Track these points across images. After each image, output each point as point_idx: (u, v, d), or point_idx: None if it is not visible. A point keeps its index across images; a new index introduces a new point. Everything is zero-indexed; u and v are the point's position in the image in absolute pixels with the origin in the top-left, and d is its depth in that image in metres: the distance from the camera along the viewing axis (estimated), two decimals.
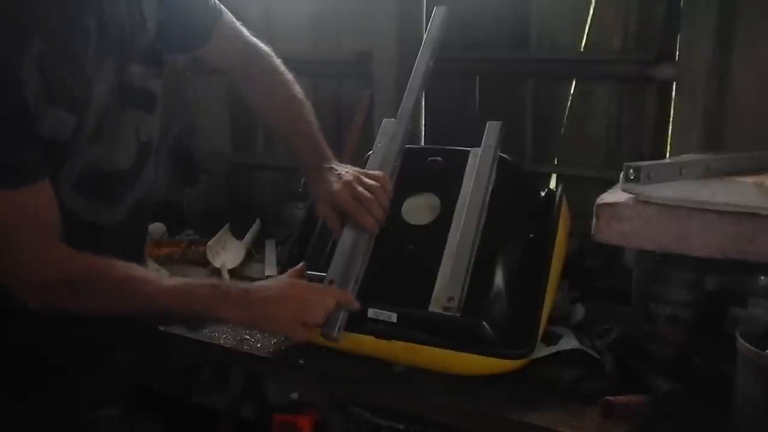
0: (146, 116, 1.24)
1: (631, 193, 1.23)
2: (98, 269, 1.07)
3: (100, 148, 1.13)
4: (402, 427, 1.32)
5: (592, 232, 1.27)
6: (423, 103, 2.03)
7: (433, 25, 1.56)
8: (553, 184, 1.97)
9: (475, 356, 1.24)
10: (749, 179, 1.17)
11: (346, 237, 1.35)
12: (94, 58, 1.08)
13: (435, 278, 1.30)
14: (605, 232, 1.26)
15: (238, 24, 1.49)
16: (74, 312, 1.06)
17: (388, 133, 1.49)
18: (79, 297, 1.06)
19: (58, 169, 1.08)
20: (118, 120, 1.16)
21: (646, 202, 1.21)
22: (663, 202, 1.20)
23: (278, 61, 1.52)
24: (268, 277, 1.74)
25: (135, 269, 1.11)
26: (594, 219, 1.27)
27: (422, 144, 2.04)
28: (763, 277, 1.31)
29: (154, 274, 1.16)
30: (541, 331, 1.29)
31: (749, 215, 1.14)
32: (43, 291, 1.04)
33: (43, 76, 0.99)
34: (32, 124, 1.00)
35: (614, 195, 1.29)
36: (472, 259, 1.30)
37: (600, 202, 1.27)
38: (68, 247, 1.05)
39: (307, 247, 1.50)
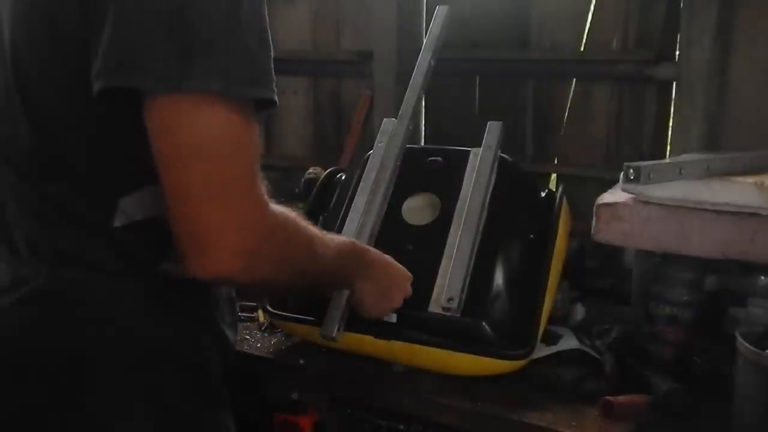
0: None
1: (631, 193, 1.23)
2: (293, 223, 0.91)
3: None
4: (402, 427, 1.31)
5: (592, 232, 1.27)
6: (423, 103, 2.03)
7: (434, 25, 1.56)
8: (553, 184, 1.97)
9: (475, 356, 1.24)
10: (749, 179, 1.17)
11: (346, 236, 1.35)
12: None
13: (435, 278, 1.30)
14: (605, 232, 1.26)
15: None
16: (261, 282, 0.90)
17: (388, 132, 1.49)
18: (280, 256, 0.88)
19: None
20: None
21: (646, 202, 1.21)
22: (663, 202, 1.20)
23: None
24: None
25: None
26: (594, 219, 1.27)
27: (422, 144, 2.04)
28: (763, 277, 1.31)
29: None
30: (541, 332, 1.29)
31: (749, 215, 1.14)
32: (251, 249, 0.82)
33: None
34: None
35: (614, 195, 1.29)
36: (472, 259, 1.30)
37: (600, 202, 1.27)
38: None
39: None
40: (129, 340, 0.92)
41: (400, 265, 1.23)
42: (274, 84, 0.86)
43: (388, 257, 1.22)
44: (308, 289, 1.13)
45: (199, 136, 0.78)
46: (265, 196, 0.85)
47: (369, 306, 1.20)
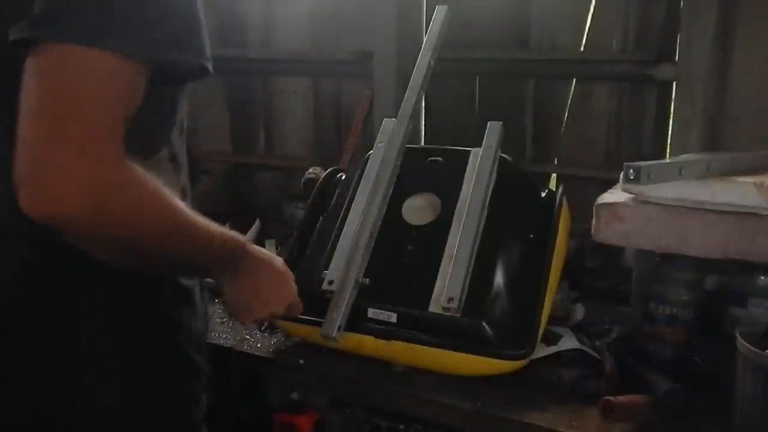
0: None
1: (631, 193, 1.23)
2: (155, 186, 0.88)
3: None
4: (402, 427, 1.31)
5: (592, 232, 1.27)
6: (423, 103, 2.03)
7: (434, 25, 1.56)
8: (553, 184, 1.97)
9: (475, 356, 1.24)
10: (749, 179, 1.17)
11: (346, 237, 1.35)
12: None
13: (435, 278, 1.30)
14: (605, 232, 1.26)
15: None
16: (106, 237, 0.87)
17: (388, 132, 1.49)
18: (127, 214, 0.85)
19: (179, 106, 1.00)
20: None
21: (646, 202, 1.21)
22: (663, 202, 1.20)
23: None
24: None
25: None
26: (594, 219, 1.27)
27: (422, 144, 2.04)
28: (763, 277, 1.31)
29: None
30: (541, 331, 1.29)
31: (749, 215, 1.14)
32: (89, 195, 0.80)
33: None
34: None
35: (614, 195, 1.29)
36: (472, 259, 1.30)
37: (600, 202, 1.27)
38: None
39: (307, 247, 1.50)
40: (104, 307, 0.96)
41: (285, 270, 1.16)
42: (199, 47, 0.89)
43: (277, 267, 1.14)
44: (171, 268, 1.04)
45: (65, 84, 0.81)
46: (120, 154, 0.83)
47: (237, 306, 1.13)
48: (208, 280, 1.15)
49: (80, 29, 0.80)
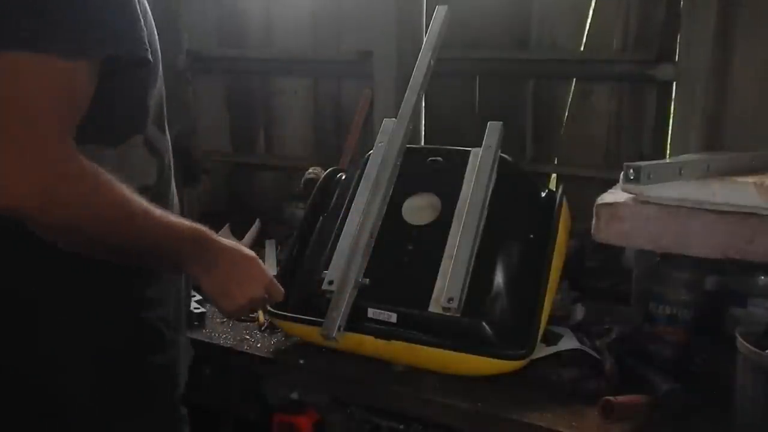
0: None
1: (631, 193, 1.23)
2: (100, 174, 0.92)
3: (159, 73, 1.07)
4: (402, 427, 1.31)
5: (592, 232, 1.27)
6: (423, 103, 2.03)
7: (433, 25, 1.56)
8: (553, 184, 1.97)
9: (475, 356, 1.24)
10: (749, 179, 1.16)
11: (346, 237, 1.35)
12: None
13: (435, 278, 1.30)
14: (605, 232, 1.26)
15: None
16: (62, 229, 0.92)
17: (388, 132, 1.49)
18: (78, 203, 0.90)
19: (147, 95, 1.03)
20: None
21: (646, 202, 1.21)
22: (663, 202, 1.20)
23: None
24: None
25: (135, 195, 0.97)
26: (594, 219, 1.27)
27: (422, 144, 2.04)
28: (763, 277, 1.32)
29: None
30: (541, 331, 1.29)
31: (749, 215, 1.14)
32: (47, 188, 0.87)
33: None
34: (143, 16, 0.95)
35: (614, 195, 1.29)
36: (472, 259, 1.30)
37: (600, 202, 1.27)
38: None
39: (307, 247, 1.50)
40: (72, 286, 1.00)
41: (252, 254, 1.16)
42: (129, 41, 0.93)
43: (245, 252, 1.15)
44: (135, 258, 1.05)
45: (13, 89, 0.86)
46: (67, 150, 0.89)
47: (215, 295, 1.13)
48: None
49: (16, 35, 0.85)
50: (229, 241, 1.14)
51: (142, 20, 0.95)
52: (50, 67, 0.86)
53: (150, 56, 0.97)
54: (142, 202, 0.96)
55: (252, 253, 1.16)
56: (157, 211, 0.99)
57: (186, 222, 1.05)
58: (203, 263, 1.08)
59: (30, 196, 0.86)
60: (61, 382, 1.01)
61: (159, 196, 1.05)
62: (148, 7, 0.98)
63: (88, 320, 1.01)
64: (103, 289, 1.02)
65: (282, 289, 1.22)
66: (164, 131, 1.12)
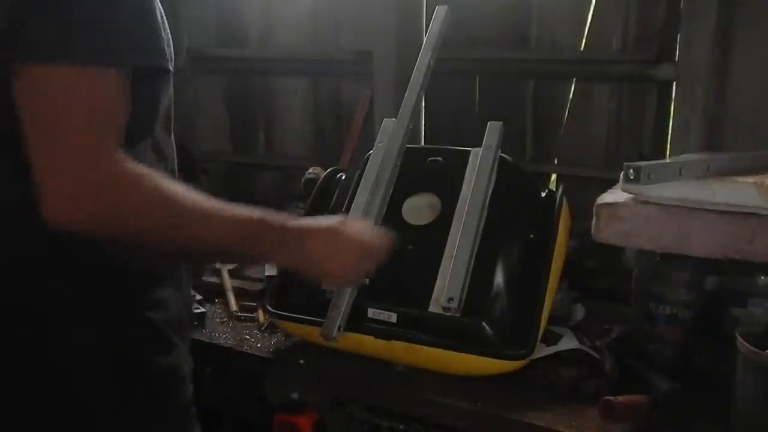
0: None
1: (630, 193, 1.23)
2: (154, 179, 0.91)
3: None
4: (402, 427, 1.32)
5: (592, 232, 1.27)
6: (423, 103, 2.03)
7: (433, 25, 1.56)
8: (553, 184, 1.97)
9: (475, 356, 1.24)
10: (749, 179, 1.16)
11: None
12: None
13: (435, 278, 1.30)
14: (605, 232, 1.26)
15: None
16: (112, 234, 0.91)
17: (388, 132, 1.49)
18: (127, 210, 0.89)
19: (160, 100, 1.03)
20: None
21: (646, 202, 1.21)
22: (662, 202, 1.20)
23: None
24: (269, 276, 1.74)
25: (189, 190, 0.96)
26: (594, 219, 1.27)
27: (422, 144, 2.04)
28: (763, 277, 1.31)
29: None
30: (541, 331, 1.29)
31: (748, 215, 1.14)
32: (88, 196, 0.86)
33: None
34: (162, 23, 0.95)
35: (614, 195, 1.29)
36: (472, 259, 1.30)
37: (600, 202, 1.27)
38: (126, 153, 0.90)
39: None
40: (86, 296, 0.99)
41: (341, 230, 1.09)
42: (154, 47, 0.93)
43: (324, 225, 1.09)
44: (199, 256, 1.09)
45: (52, 99, 0.86)
46: (114, 160, 0.88)
47: (319, 279, 1.11)
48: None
49: (49, 47, 0.85)
50: (312, 221, 1.11)
51: (161, 27, 0.95)
52: (88, 78, 0.86)
53: (170, 65, 0.98)
54: (194, 198, 0.95)
55: (331, 223, 1.10)
56: (214, 207, 0.98)
57: (250, 212, 1.02)
58: (285, 252, 1.04)
59: (84, 215, 0.86)
60: (77, 391, 0.99)
61: None
62: (163, 13, 0.98)
63: (97, 326, 1.00)
64: (109, 294, 1.01)
65: (384, 238, 1.15)
66: (170, 133, 1.12)
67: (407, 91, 1.51)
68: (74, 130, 0.86)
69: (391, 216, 1.41)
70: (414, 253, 1.36)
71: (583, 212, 1.41)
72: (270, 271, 1.83)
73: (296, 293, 1.40)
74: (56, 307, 0.98)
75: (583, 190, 1.71)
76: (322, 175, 1.66)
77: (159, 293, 1.07)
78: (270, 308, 1.41)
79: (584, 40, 1.88)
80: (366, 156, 1.51)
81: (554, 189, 1.53)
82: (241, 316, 1.58)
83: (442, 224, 1.37)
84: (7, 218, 0.96)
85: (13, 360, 0.98)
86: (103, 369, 1.00)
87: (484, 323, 1.25)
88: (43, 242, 0.92)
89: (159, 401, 1.08)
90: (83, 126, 0.86)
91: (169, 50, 0.98)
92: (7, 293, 0.97)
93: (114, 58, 0.88)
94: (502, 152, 1.45)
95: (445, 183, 1.43)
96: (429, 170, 1.47)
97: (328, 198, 1.56)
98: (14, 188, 0.93)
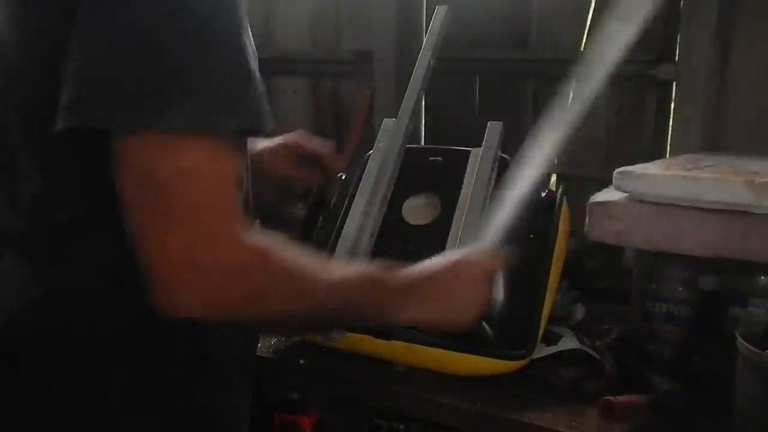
0: None
1: (623, 191, 1.23)
2: (277, 252, 0.82)
3: None
4: (402, 427, 1.32)
5: (585, 230, 1.27)
6: (423, 102, 2.03)
7: (433, 25, 1.56)
8: (553, 185, 1.97)
9: (475, 356, 1.24)
10: (741, 177, 1.16)
11: (346, 237, 1.35)
12: None
13: None
14: (598, 230, 1.25)
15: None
16: (236, 320, 0.85)
17: (388, 132, 1.49)
18: (252, 295, 0.80)
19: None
20: None
21: (639, 201, 1.21)
22: (655, 201, 1.19)
23: None
24: None
25: (301, 252, 0.86)
26: (587, 217, 1.27)
27: (422, 144, 2.04)
28: (762, 277, 1.31)
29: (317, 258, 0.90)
30: (541, 331, 1.29)
31: (739, 213, 1.13)
32: (212, 288, 0.76)
33: None
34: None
35: (607, 193, 1.29)
36: None
37: (593, 200, 1.27)
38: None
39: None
40: (137, 333, 0.89)
41: (462, 268, 1.03)
42: (255, 106, 0.80)
43: (442, 266, 1.02)
44: (316, 325, 1.01)
45: (163, 172, 0.74)
46: (238, 230, 0.78)
47: (447, 325, 1.05)
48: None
49: (170, 114, 0.73)
50: (419, 268, 1.02)
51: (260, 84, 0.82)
52: (205, 142, 0.75)
53: (268, 126, 0.83)
54: (325, 271, 0.87)
55: (450, 261, 1.03)
56: (341, 276, 0.89)
57: (355, 271, 0.94)
58: (411, 307, 0.98)
59: (210, 310, 0.77)
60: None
61: None
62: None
63: (155, 365, 0.91)
64: (168, 333, 0.88)
65: (498, 254, 1.09)
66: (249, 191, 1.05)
67: (407, 92, 1.51)
68: (193, 209, 0.74)
69: (391, 216, 1.41)
70: (414, 253, 1.36)
71: (583, 212, 1.41)
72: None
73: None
74: (113, 348, 0.89)
75: (583, 190, 1.70)
76: None
77: (222, 331, 0.98)
78: None
79: (584, 40, 1.88)
80: (366, 156, 1.51)
81: (554, 189, 1.53)
82: None
83: (442, 224, 1.37)
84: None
85: (67, 403, 0.89)
86: (156, 408, 0.92)
87: (484, 323, 1.25)
88: (102, 277, 0.85)
89: None
90: (204, 204, 0.75)
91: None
92: (72, 337, 0.88)
93: (229, 121, 0.77)
94: (502, 152, 1.45)
95: (445, 183, 1.43)
96: (429, 170, 1.47)
97: (328, 198, 1.56)
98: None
